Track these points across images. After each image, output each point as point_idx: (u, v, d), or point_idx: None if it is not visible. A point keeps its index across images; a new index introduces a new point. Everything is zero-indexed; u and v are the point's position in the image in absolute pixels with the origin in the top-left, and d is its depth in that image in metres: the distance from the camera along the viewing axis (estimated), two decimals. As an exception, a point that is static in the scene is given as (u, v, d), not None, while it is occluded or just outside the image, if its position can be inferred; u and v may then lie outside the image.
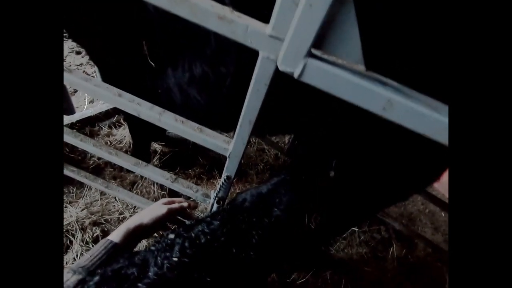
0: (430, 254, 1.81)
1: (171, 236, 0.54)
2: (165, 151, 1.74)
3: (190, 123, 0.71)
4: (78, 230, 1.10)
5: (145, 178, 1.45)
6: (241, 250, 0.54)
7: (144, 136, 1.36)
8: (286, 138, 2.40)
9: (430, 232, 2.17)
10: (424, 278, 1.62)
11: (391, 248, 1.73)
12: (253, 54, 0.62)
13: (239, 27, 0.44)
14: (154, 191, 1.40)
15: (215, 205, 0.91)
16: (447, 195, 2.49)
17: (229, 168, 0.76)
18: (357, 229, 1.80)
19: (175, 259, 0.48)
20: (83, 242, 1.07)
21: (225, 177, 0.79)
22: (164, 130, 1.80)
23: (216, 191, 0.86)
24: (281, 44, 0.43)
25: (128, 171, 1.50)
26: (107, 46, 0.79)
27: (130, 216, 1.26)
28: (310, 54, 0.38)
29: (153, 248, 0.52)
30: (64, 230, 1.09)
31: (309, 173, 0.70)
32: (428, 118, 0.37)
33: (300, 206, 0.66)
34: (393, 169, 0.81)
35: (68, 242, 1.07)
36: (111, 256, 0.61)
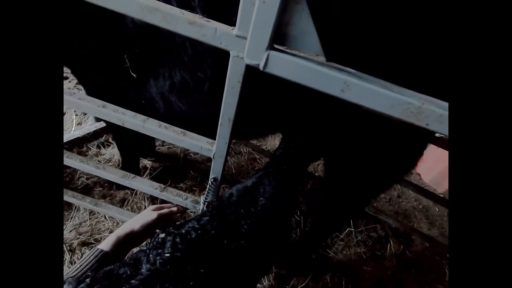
0: (427, 248, 1.82)
1: (162, 235, 0.55)
2: (155, 166, 1.74)
3: (174, 128, 0.74)
4: (66, 252, 1.06)
5: (136, 194, 1.44)
6: (231, 240, 0.55)
7: (133, 152, 1.37)
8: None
9: (426, 227, 2.19)
10: (424, 272, 1.62)
11: (389, 246, 1.73)
12: (226, 57, 0.66)
13: (208, 30, 0.49)
14: (145, 206, 1.39)
15: (205, 209, 0.91)
16: (438, 190, 2.54)
17: (215, 170, 0.78)
18: (353, 229, 1.80)
19: (167, 254, 0.49)
20: (71, 264, 1.03)
21: (212, 179, 0.81)
22: (153, 146, 1.81)
23: (205, 195, 0.87)
24: (245, 43, 0.48)
25: (118, 188, 1.49)
26: (90, 63, 0.83)
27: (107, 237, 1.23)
28: (271, 47, 0.43)
29: (144, 248, 0.52)
30: (51, 253, 1.06)
31: (290, 164, 0.73)
32: (381, 95, 0.41)
33: (285, 195, 0.68)
34: (374, 158, 0.85)
35: (56, 265, 1.04)
36: (101, 265, 0.60)
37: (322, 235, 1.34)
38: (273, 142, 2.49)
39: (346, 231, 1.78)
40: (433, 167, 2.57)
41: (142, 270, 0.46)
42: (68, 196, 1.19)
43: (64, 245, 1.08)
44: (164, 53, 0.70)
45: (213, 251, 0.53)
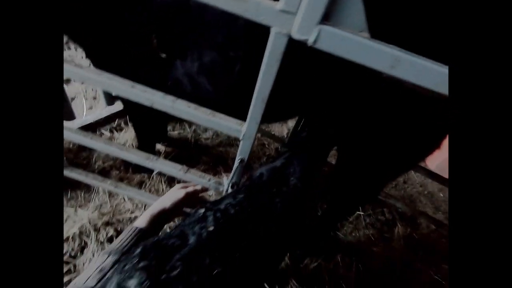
0: (434, 231, 1.87)
1: (201, 210, 0.57)
2: (168, 151, 1.75)
3: (202, 109, 0.74)
4: (91, 231, 1.10)
5: (153, 177, 1.46)
6: (267, 218, 0.57)
7: (149, 135, 1.38)
8: (285, 133, 2.45)
9: (431, 211, 2.24)
10: (431, 254, 1.68)
11: (396, 228, 1.78)
12: (260, 37, 0.65)
13: (251, 4, 0.48)
14: (163, 189, 1.42)
15: (230, 190, 0.94)
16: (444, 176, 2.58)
17: (243, 151, 0.79)
18: (362, 213, 1.85)
19: (211, 228, 0.51)
20: (98, 242, 1.08)
21: (239, 160, 0.82)
22: (166, 130, 1.82)
23: (231, 176, 0.89)
24: (291, 18, 0.47)
25: (134, 172, 1.51)
26: (115, 44, 0.81)
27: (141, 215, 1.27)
28: (322, 22, 0.42)
29: (186, 222, 0.55)
30: (78, 233, 1.10)
31: (315, 146, 0.74)
32: (432, 71, 0.41)
33: (313, 175, 0.70)
34: (392, 143, 0.85)
35: (82, 243, 1.08)
36: (139, 241, 0.63)
37: (336, 219, 1.38)
38: (280, 128, 2.49)
39: (355, 214, 1.83)
40: (439, 155, 2.59)
41: (190, 241, 0.49)
42: (89, 178, 1.21)
43: (89, 224, 1.11)
44: (194, 33, 0.69)
45: (251, 226, 0.56)
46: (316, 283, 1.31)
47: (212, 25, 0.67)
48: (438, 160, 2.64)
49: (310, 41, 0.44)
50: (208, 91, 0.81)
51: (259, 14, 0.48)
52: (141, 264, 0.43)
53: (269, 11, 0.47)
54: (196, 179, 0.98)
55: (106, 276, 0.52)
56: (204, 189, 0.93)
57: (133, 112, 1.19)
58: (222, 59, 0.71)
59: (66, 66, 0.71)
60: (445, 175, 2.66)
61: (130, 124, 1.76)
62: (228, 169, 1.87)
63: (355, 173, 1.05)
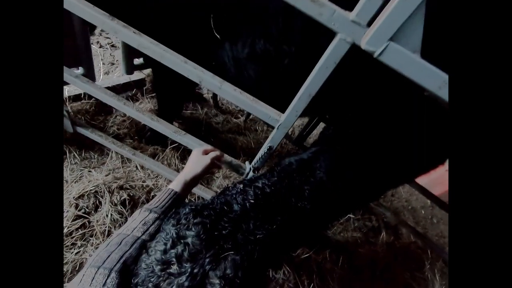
0: (413, 242, 2.03)
1: (240, 185, 0.64)
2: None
3: (246, 94, 0.80)
4: (106, 192, 1.14)
5: (165, 150, 1.50)
6: (298, 200, 0.64)
7: (171, 108, 1.41)
8: (289, 131, 2.52)
9: (412, 225, 2.41)
10: (408, 261, 1.83)
11: (381, 235, 1.92)
12: (315, 38, 0.71)
13: (327, 10, 0.53)
14: (175, 163, 1.46)
15: (250, 174, 1.00)
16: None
17: (274, 139, 0.85)
18: (352, 216, 1.97)
19: (252, 201, 0.57)
20: (112, 204, 1.12)
21: (268, 147, 0.89)
22: (183, 107, 1.84)
23: (255, 161, 0.95)
24: (359, 29, 0.53)
25: (147, 143, 1.55)
26: (176, 18, 0.84)
27: (153, 185, 1.32)
28: (391, 39, 0.49)
29: (227, 193, 0.61)
30: (93, 192, 1.13)
31: (342, 145, 0.81)
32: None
33: (340, 171, 0.77)
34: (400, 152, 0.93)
35: (97, 202, 1.12)
36: (174, 202, 0.69)
37: (333, 217, 1.47)
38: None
39: (346, 217, 1.95)
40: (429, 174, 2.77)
41: (235, 209, 0.56)
42: (108, 142, 1.24)
43: (104, 186, 1.15)
44: (252, 20, 0.74)
45: (285, 205, 0.63)
46: (305, 272, 1.42)
47: (271, 16, 0.72)
48: (425, 180, 2.82)
49: (376, 54, 0.50)
50: (251, 78, 0.86)
51: (331, 20, 0.54)
52: (197, 220, 0.49)
53: (341, 19, 0.53)
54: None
55: (149, 230, 0.58)
56: (222, 154, 0.97)
57: (164, 83, 1.21)
58: (274, 50, 0.76)
59: (125, 31, 0.74)
60: (433, 192, 2.85)
61: (146, 96, 1.78)
62: (235, 157, 1.93)
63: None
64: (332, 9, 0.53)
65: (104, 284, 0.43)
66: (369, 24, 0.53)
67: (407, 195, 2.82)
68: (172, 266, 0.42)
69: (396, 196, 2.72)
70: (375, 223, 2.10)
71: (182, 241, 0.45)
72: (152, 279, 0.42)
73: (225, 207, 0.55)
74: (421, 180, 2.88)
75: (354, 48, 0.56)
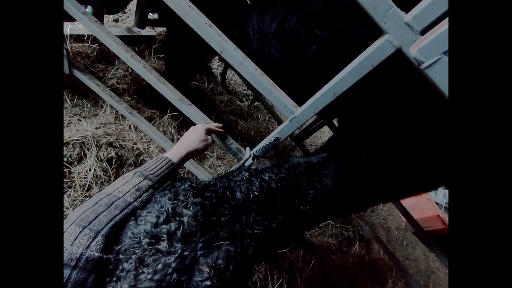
0: (382, 259, 2.10)
1: (246, 173, 0.60)
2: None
3: (267, 77, 0.74)
4: (93, 145, 1.07)
5: (163, 116, 1.43)
6: (301, 203, 0.61)
7: (179, 73, 1.32)
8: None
9: (384, 243, 2.49)
10: (373, 275, 1.89)
11: (355, 246, 1.97)
12: (353, 30, 0.65)
13: (384, 4, 0.48)
14: (171, 132, 1.40)
15: (249, 161, 0.96)
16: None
17: (283, 131, 0.81)
18: (332, 223, 2.00)
19: (256, 193, 0.54)
20: (97, 159, 1.05)
21: (274, 138, 0.84)
22: (190, 77, 1.75)
23: (257, 149, 0.91)
24: (411, 34, 0.49)
25: (146, 105, 1.47)
26: None
27: (144, 149, 1.26)
28: (445, 53, 0.44)
29: (231, 179, 0.57)
30: (79, 142, 1.06)
31: (355, 154, 0.78)
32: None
33: (345, 182, 0.75)
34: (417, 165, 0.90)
35: (82, 154, 1.05)
36: (170, 174, 0.65)
37: (321, 222, 1.48)
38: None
39: (326, 222, 1.97)
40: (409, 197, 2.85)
41: (238, 197, 0.52)
42: (106, 94, 1.16)
43: (92, 139, 1.08)
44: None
45: (288, 205, 0.60)
46: (277, 267, 1.43)
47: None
48: (408, 202, 2.90)
49: (425, 65, 0.46)
50: (272, 57, 0.79)
51: (384, 17, 0.49)
52: (197, 200, 0.45)
53: (395, 18, 0.48)
54: (218, 140, 0.99)
55: (142, 197, 0.54)
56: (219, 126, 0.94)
57: (179, 45, 1.12)
58: (305, 31, 0.69)
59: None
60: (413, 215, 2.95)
61: (153, 56, 1.67)
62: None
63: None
64: (389, 4, 0.48)
65: (88, 247, 0.40)
66: (422, 32, 0.48)
67: (385, 214, 2.90)
68: (161, 242, 0.39)
69: (376, 213, 2.79)
70: (351, 234, 2.14)
71: (177, 218, 0.42)
72: (136, 251, 0.39)
73: (228, 193, 0.52)
74: (404, 203, 2.97)
75: (396, 54, 0.52)
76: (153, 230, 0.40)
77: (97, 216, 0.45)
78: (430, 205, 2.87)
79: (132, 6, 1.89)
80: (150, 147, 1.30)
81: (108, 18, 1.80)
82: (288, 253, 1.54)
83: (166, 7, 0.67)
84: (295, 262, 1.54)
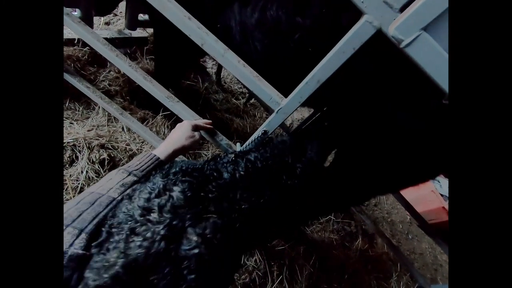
0: (385, 253, 2.06)
1: (231, 155, 0.59)
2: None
3: (250, 69, 0.73)
4: (85, 148, 1.07)
5: (155, 117, 1.42)
6: (288, 177, 0.61)
7: (169, 73, 1.32)
8: (289, 122, 2.47)
9: (388, 237, 2.46)
10: (376, 270, 1.86)
11: (358, 241, 1.94)
12: (337, 15, 0.63)
13: (359, -17, 0.46)
14: (164, 132, 1.39)
15: (239, 156, 0.95)
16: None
17: (271, 124, 0.79)
18: (333, 218, 1.97)
19: (242, 173, 0.53)
20: (89, 161, 1.05)
21: (262, 131, 0.83)
22: (182, 76, 1.74)
23: (247, 144, 0.89)
24: (390, 13, 0.47)
25: (138, 106, 1.46)
26: None
27: (138, 150, 1.25)
28: (424, 28, 0.42)
29: (218, 161, 0.57)
30: (70, 144, 1.06)
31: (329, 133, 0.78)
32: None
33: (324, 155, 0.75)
34: (387, 159, 0.88)
35: (74, 156, 1.05)
36: (155, 169, 0.64)
37: (315, 215, 1.46)
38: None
39: (327, 217, 1.95)
40: (413, 189, 2.81)
41: (224, 176, 0.52)
42: (96, 96, 1.16)
43: (84, 141, 1.08)
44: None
45: (274, 181, 0.59)
46: (277, 264, 1.41)
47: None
48: (411, 196, 2.86)
49: (404, 43, 0.44)
50: (256, 50, 0.78)
51: (361, -4, 0.47)
52: (185, 178, 0.45)
53: (373, -3, 0.46)
54: (207, 136, 0.98)
55: (127, 192, 0.53)
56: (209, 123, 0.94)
57: (165, 41, 1.11)
58: (286, 20, 0.67)
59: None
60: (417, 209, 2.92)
61: (146, 57, 1.66)
62: (228, 138, 1.88)
63: (350, 177, 1.10)
64: (364, -17, 0.46)
65: (72, 245, 0.39)
66: (401, 10, 0.46)
67: (389, 208, 2.85)
68: (152, 213, 0.40)
69: (379, 207, 2.75)
70: (354, 229, 2.11)
71: (167, 193, 0.43)
72: (129, 222, 0.40)
73: (215, 173, 0.52)
74: (408, 196, 2.93)
75: (377, 36, 0.50)
76: (145, 204, 0.42)
77: (80, 215, 0.44)
78: (435, 197, 2.81)
79: (123, 9, 1.90)
80: (143, 147, 1.30)
81: (99, 21, 1.80)
82: (288, 250, 1.52)
83: (152, 6, 0.66)
84: (295, 258, 1.52)
